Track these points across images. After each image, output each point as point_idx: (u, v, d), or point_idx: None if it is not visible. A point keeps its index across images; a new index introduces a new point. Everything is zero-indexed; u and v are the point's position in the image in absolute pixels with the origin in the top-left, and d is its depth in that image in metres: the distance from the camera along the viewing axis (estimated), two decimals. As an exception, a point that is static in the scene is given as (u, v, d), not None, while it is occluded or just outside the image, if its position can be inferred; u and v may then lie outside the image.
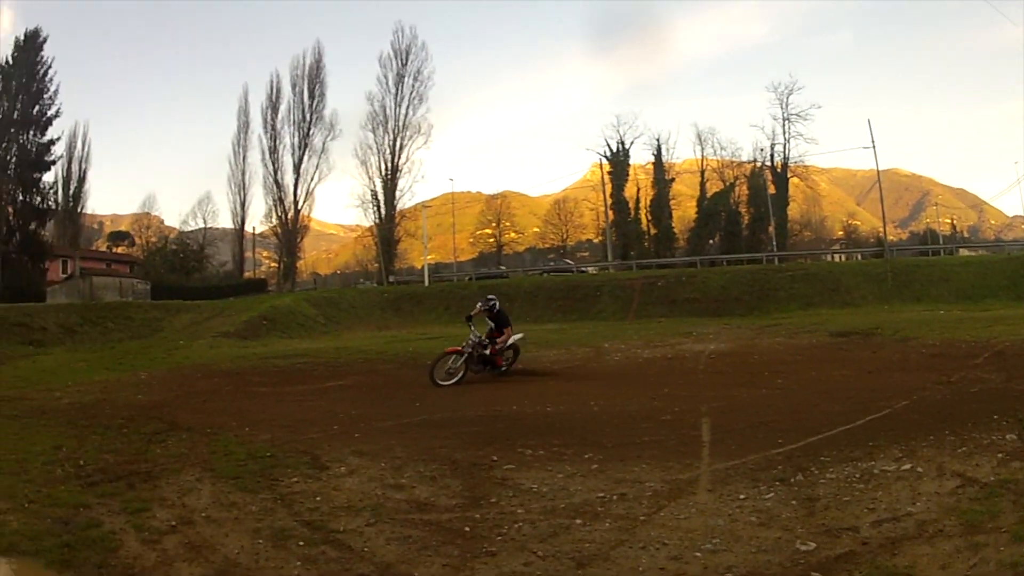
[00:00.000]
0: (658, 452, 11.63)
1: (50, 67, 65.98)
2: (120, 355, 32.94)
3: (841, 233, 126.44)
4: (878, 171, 68.20)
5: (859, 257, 74.04)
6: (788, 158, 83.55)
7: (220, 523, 9.41)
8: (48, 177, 69.45)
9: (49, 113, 66.04)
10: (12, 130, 63.56)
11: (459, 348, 20.76)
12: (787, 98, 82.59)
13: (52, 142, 67.06)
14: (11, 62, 64.57)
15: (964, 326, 26.58)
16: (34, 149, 65.04)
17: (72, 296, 55.71)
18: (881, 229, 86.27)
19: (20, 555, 8.31)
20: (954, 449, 10.34)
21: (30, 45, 64.69)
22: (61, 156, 78.87)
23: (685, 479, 10.02)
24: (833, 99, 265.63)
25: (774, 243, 77.65)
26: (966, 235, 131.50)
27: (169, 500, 10.40)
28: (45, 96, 65.64)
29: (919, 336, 24.77)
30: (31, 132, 64.87)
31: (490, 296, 22.44)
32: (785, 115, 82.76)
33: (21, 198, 64.90)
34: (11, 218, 64.22)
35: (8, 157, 63.56)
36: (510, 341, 21.84)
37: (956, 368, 18.08)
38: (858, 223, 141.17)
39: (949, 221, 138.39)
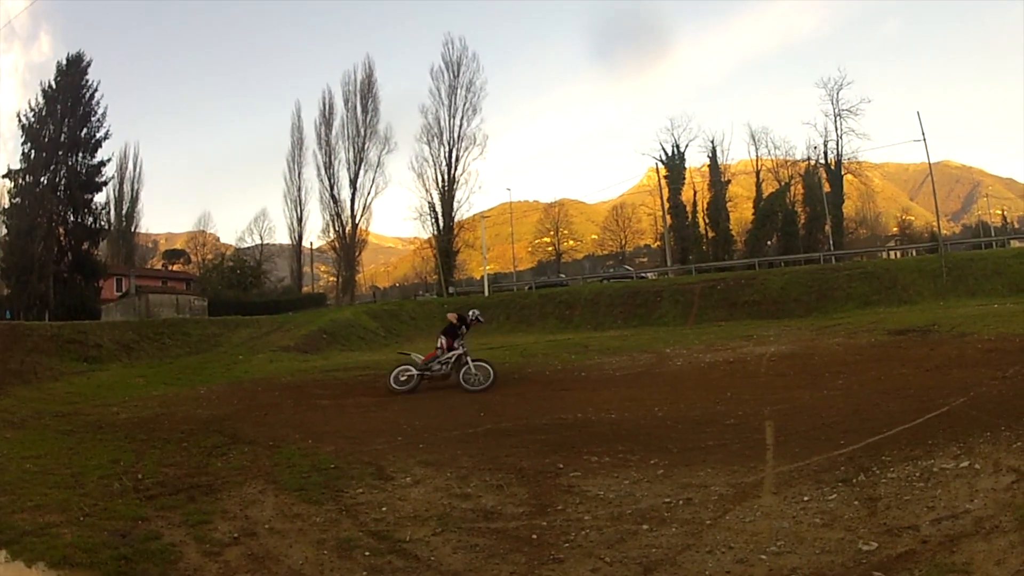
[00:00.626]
0: (723, 456, 11.67)
1: (96, 90, 66.21)
2: (178, 370, 33.26)
3: (896, 229, 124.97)
4: (930, 165, 66.99)
5: (914, 253, 73.15)
6: (841, 155, 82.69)
7: (284, 534, 9.56)
8: (100, 198, 69.84)
9: (98, 135, 66.49)
10: (60, 152, 64.11)
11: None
12: (837, 93, 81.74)
13: (102, 163, 67.48)
14: (54, 86, 65.14)
15: (1018, 319, 26.31)
16: (84, 171, 65.35)
17: (128, 313, 55.85)
18: (934, 223, 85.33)
19: (73, 568, 8.52)
20: (1010, 445, 10.31)
21: (73, 69, 65.16)
22: (112, 177, 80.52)
23: (750, 482, 10.07)
24: (882, 92, 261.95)
25: (831, 242, 76.78)
26: (1016, 226, 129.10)
27: (231, 512, 10.58)
28: (93, 119, 65.85)
29: (975, 331, 24.49)
30: (80, 154, 65.22)
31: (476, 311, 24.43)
32: (836, 111, 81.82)
33: (72, 219, 65.32)
34: (62, 239, 65.03)
35: (57, 179, 64.22)
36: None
37: (1012, 363, 17.80)
38: (912, 218, 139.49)
39: (1000, 212, 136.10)
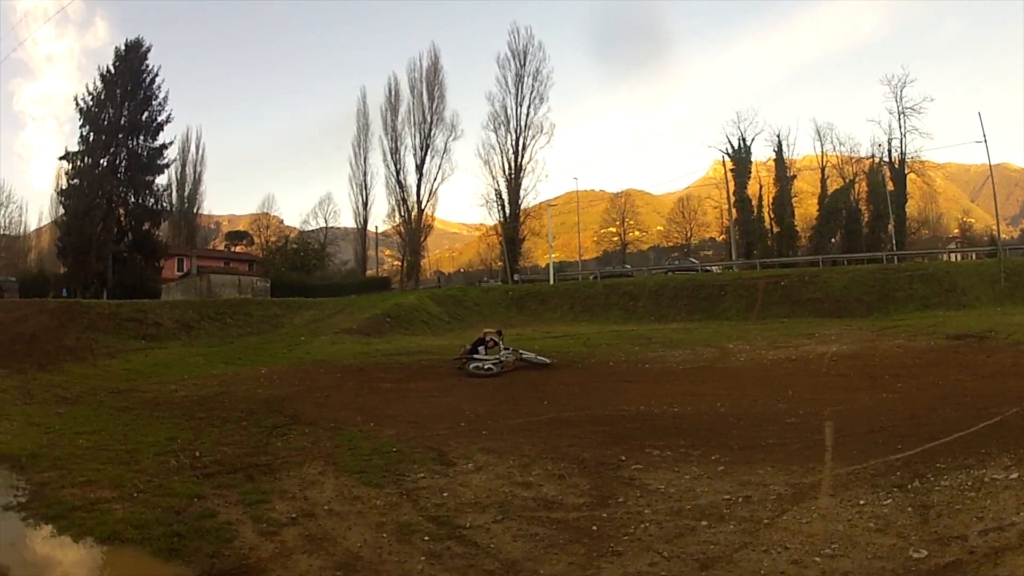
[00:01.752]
0: (783, 455, 11.75)
1: (156, 75, 67.06)
2: (239, 350, 33.75)
3: (956, 231, 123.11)
4: (991, 167, 65.86)
5: (973, 256, 72.09)
6: (905, 153, 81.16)
7: (343, 516, 9.76)
8: (161, 180, 71.27)
9: (159, 119, 67.69)
10: (120, 135, 64.93)
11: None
12: (901, 91, 79.90)
13: (164, 146, 68.78)
14: (112, 71, 65.94)
15: (1075, 331, 25.72)
16: (145, 153, 66.67)
17: (188, 293, 56.97)
18: (994, 227, 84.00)
19: (123, 543, 8.79)
20: (1059, 458, 10.22)
21: (132, 55, 65.60)
22: (174, 159, 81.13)
23: (808, 483, 10.15)
24: (943, 91, 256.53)
25: (893, 242, 75.88)
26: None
27: (290, 493, 10.82)
28: (154, 103, 67.10)
29: (1031, 341, 24.13)
30: (141, 137, 66.04)
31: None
32: (900, 108, 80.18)
33: (133, 200, 66.68)
34: (122, 219, 66.12)
35: (117, 161, 64.90)
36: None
37: (1067, 374, 17.71)
38: (972, 220, 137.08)
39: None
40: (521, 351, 25.96)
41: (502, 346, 25.59)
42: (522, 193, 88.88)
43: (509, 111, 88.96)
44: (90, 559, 8.81)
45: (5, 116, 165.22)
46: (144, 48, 67.04)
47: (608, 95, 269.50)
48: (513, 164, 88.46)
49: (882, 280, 46.74)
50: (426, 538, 8.77)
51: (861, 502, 9.19)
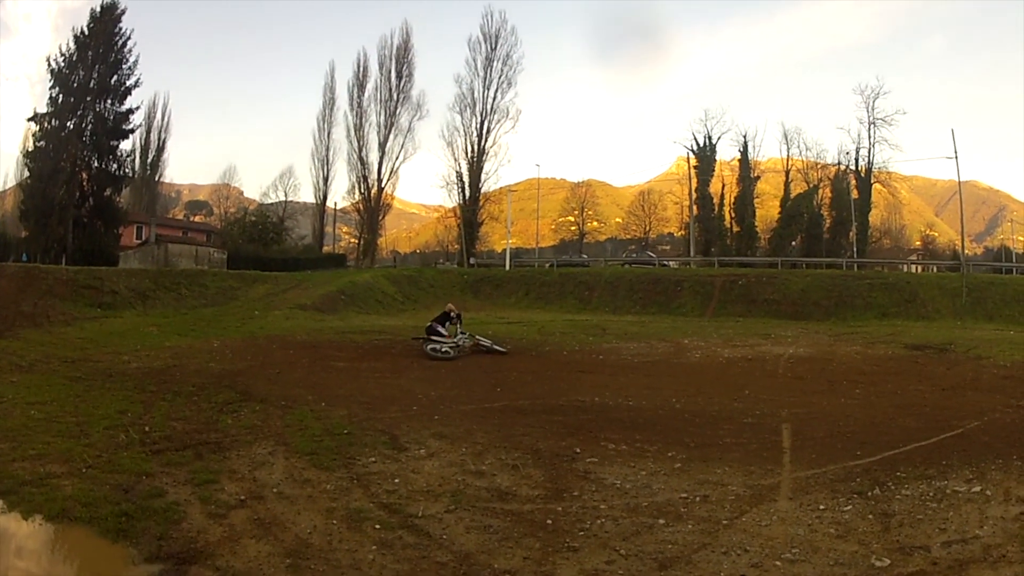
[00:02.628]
0: (740, 455, 11.70)
1: (129, 38, 65.59)
2: (193, 321, 33.51)
3: (919, 243, 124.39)
4: (959, 184, 66.55)
5: (935, 269, 72.81)
6: (872, 163, 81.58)
7: (292, 500, 9.63)
8: (126, 145, 69.98)
9: (128, 83, 65.58)
10: (88, 98, 63.81)
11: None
12: (873, 102, 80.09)
13: (131, 111, 66.97)
14: (86, 32, 64.79)
15: (1035, 349, 25.93)
16: (111, 117, 64.69)
17: (146, 262, 56.31)
18: (958, 242, 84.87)
19: (71, 522, 8.59)
20: (1021, 474, 10.34)
21: (107, 16, 64.65)
22: (140, 125, 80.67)
23: (766, 485, 10.10)
24: (918, 105, 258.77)
25: (854, 249, 76.36)
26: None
27: (239, 473, 10.65)
28: (124, 66, 65.23)
29: (991, 356, 24.35)
30: (108, 101, 64.87)
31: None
32: (871, 119, 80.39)
33: (96, 164, 65.08)
34: (85, 184, 64.77)
35: (84, 124, 64.02)
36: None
37: (1026, 392, 17.84)
38: (935, 234, 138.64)
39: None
40: (478, 336, 25.99)
41: (459, 328, 25.54)
42: (483, 177, 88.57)
43: (476, 94, 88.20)
44: (40, 538, 8.66)
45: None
46: (119, 11, 65.98)
47: (576, 83, 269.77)
48: (476, 147, 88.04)
49: (841, 286, 47.07)
50: (377, 526, 8.66)
51: (821, 507, 9.16)
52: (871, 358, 24.60)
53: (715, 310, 45.98)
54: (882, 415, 15.05)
